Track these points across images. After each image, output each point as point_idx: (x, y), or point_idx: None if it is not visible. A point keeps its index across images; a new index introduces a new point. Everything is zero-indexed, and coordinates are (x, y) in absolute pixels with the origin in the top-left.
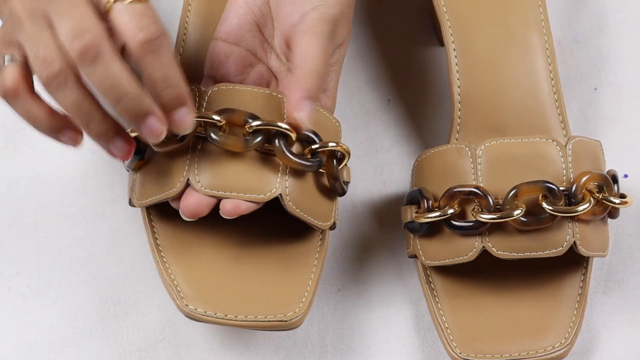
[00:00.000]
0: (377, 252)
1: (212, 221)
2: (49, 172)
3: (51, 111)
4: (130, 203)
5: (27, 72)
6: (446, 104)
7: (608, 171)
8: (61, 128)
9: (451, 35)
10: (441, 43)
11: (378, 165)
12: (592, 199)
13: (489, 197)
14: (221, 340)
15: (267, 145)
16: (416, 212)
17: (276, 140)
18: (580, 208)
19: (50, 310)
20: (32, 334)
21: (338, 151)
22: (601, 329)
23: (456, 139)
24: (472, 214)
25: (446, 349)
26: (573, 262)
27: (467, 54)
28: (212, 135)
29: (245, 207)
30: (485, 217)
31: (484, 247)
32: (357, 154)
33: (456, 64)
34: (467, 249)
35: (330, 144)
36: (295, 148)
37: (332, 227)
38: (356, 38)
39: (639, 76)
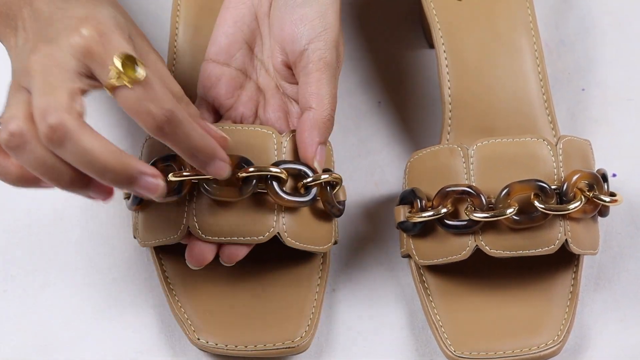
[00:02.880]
0: (371, 252)
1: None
2: None
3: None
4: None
5: None
6: (436, 105)
7: (598, 170)
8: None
9: (441, 37)
10: (431, 45)
11: (369, 166)
12: (582, 197)
13: (481, 196)
14: None
15: (260, 184)
16: (409, 212)
17: (270, 183)
18: (572, 206)
19: (45, 313)
20: (27, 337)
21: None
22: (592, 327)
23: (447, 140)
24: (466, 213)
25: (441, 348)
26: (564, 260)
27: (457, 56)
28: (207, 187)
29: (244, 252)
30: (479, 215)
31: (477, 245)
32: (348, 156)
33: (446, 66)
34: (460, 248)
35: (323, 177)
36: (289, 183)
37: (335, 243)
38: (347, 41)
39: (626, 77)
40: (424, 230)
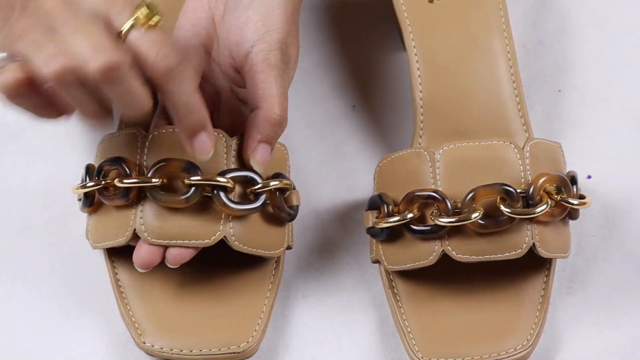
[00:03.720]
0: (342, 258)
1: None
2: (11, 185)
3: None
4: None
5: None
6: (411, 109)
7: (568, 172)
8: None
9: (412, 40)
10: (405, 48)
11: (343, 171)
12: (550, 200)
13: (447, 200)
14: None
15: (208, 188)
16: (377, 217)
17: (216, 193)
18: (538, 210)
19: (12, 324)
20: None
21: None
22: (565, 330)
23: (419, 144)
24: (431, 218)
25: (408, 353)
26: (536, 264)
27: (429, 58)
28: (154, 194)
29: (190, 254)
30: (444, 220)
31: (443, 250)
32: (322, 160)
33: (418, 69)
34: (427, 253)
35: (272, 183)
36: (238, 189)
37: (289, 248)
38: (320, 45)
39: (603, 78)
40: (392, 236)
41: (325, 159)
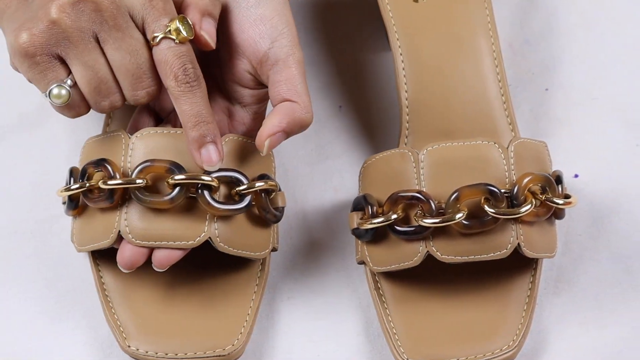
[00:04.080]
0: (327, 259)
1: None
2: None
3: None
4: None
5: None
6: (397, 109)
7: (553, 172)
8: None
9: (397, 40)
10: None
11: (329, 172)
12: (534, 200)
13: (430, 201)
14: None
15: (192, 189)
16: (361, 219)
17: (201, 192)
18: (522, 209)
19: None
20: None
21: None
22: (551, 330)
23: (405, 144)
24: (415, 219)
25: (394, 355)
26: (522, 264)
27: (414, 58)
28: (138, 196)
29: (177, 256)
30: (428, 221)
31: (428, 251)
32: (308, 161)
33: (403, 69)
34: (412, 254)
35: (257, 184)
36: (222, 189)
37: (274, 250)
38: (307, 45)
39: (590, 77)
40: (376, 237)
41: (312, 160)
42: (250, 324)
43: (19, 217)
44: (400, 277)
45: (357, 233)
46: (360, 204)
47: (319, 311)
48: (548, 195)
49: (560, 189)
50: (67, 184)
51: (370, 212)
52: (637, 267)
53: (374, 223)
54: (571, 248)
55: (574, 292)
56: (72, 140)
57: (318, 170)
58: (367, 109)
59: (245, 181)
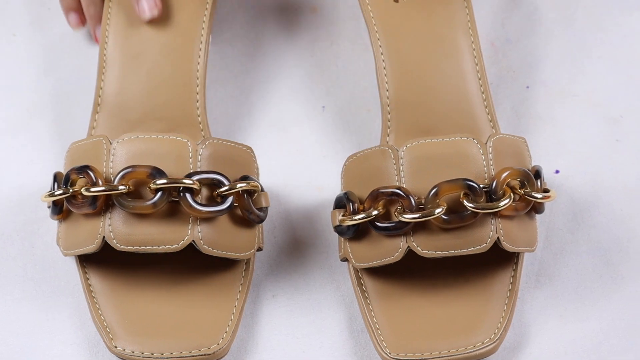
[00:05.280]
0: (311, 257)
1: (141, 261)
2: None
3: None
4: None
5: None
6: (379, 108)
7: (532, 167)
8: None
9: (378, 40)
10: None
11: (313, 171)
12: (513, 194)
13: (410, 197)
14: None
15: (174, 193)
16: (342, 215)
17: (183, 195)
18: (501, 204)
19: None
20: None
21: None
22: (532, 324)
23: (387, 142)
24: (395, 215)
25: (377, 350)
26: (504, 258)
27: (395, 57)
28: (121, 202)
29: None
30: (407, 217)
31: (409, 246)
32: (291, 161)
33: (384, 68)
34: (393, 250)
35: (239, 185)
36: (204, 192)
37: (259, 250)
38: (291, 46)
39: (570, 74)
40: (358, 234)
41: (294, 160)
42: (235, 322)
43: (6, 219)
44: (382, 273)
45: (339, 230)
46: (342, 202)
47: (303, 308)
48: (527, 190)
49: (539, 183)
50: (51, 189)
51: (351, 209)
52: (617, 260)
53: (355, 219)
54: (552, 242)
55: (555, 286)
56: (57, 143)
57: (301, 170)
58: (350, 108)
59: (226, 182)
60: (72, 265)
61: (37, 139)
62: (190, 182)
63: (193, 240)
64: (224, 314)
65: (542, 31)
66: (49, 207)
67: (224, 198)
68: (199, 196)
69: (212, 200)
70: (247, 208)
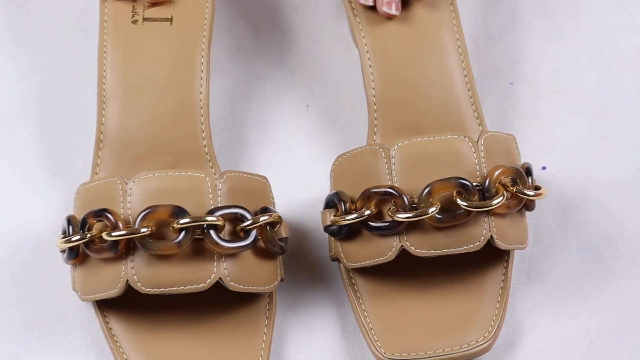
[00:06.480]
0: (301, 257)
1: (161, 301)
2: None
3: None
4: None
5: None
6: (365, 106)
7: (522, 164)
8: None
9: (363, 37)
10: (357, 45)
11: (300, 171)
12: (505, 192)
13: (403, 196)
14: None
15: (198, 231)
16: (334, 216)
17: (207, 232)
18: (494, 202)
19: None
20: None
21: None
22: (524, 321)
23: (374, 141)
24: (389, 214)
25: (371, 350)
26: (494, 256)
27: (380, 55)
28: (144, 244)
29: None
30: (401, 216)
31: (402, 246)
32: (278, 162)
33: (370, 66)
34: (386, 249)
35: (262, 218)
36: (227, 227)
37: (281, 281)
38: (274, 45)
39: (553, 70)
40: (350, 233)
41: (281, 160)
42: (266, 358)
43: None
44: (374, 272)
45: (331, 230)
46: (333, 201)
47: (294, 308)
48: (519, 187)
49: (530, 180)
50: (65, 234)
51: (343, 209)
52: (607, 256)
53: (348, 219)
54: (541, 239)
55: (546, 283)
56: (41, 147)
57: (288, 170)
58: (334, 107)
59: (249, 216)
60: (61, 266)
61: (21, 141)
62: (215, 218)
63: (220, 278)
64: (254, 350)
65: (524, 27)
66: (62, 252)
67: (247, 232)
68: (222, 232)
69: (234, 235)
70: (270, 240)
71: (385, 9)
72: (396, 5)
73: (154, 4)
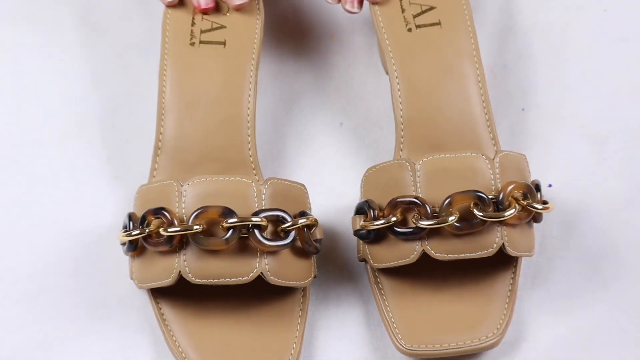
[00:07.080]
0: (332, 258)
1: (208, 292)
2: None
3: None
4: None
5: None
6: (393, 125)
7: (532, 181)
8: None
9: (394, 64)
10: (387, 72)
11: (333, 180)
12: (517, 205)
13: (427, 205)
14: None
15: (243, 230)
16: (364, 221)
17: (252, 231)
18: (507, 213)
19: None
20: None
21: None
22: (529, 320)
23: (400, 156)
24: (413, 221)
25: (393, 342)
26: (504, 262)
27: (408, 81)
28: (196, 239)
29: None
30: (424, 223)
31: (423, 250)
32: (314, 171)
33: (398, 90)
34: (409, 252)
35: (300, 221)
36: (269, 228)
37: (314, 277)
38: (312, 68)
39: (560, 98)
40: (377, 237)
41: (317, 170)
42: (299, 345)
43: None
44: (397, 272)
45: (360, 234)
46: (363, 208)
47: (325, 303)
48: (529, 201)
49: (539, 195)
50: (126, 228)
51: (372, 216)
52: (604, 265)
53: (376, 225)
54: (546, 248)
55: (549, 287)
56: (104, 152)
57: (323, 179)
58: (365, 125)
59: (289, 219)
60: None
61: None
62: (259, 219)
63: (261, 272)
64: (288, 338)
65: (535, 60)
66: (122, 244)
67: (287, 233)
68: (265, 231)
69: (275, 235)
70: (306, 240)
71: (348, 7)
72: (352, 3)
73: (205, 12)
